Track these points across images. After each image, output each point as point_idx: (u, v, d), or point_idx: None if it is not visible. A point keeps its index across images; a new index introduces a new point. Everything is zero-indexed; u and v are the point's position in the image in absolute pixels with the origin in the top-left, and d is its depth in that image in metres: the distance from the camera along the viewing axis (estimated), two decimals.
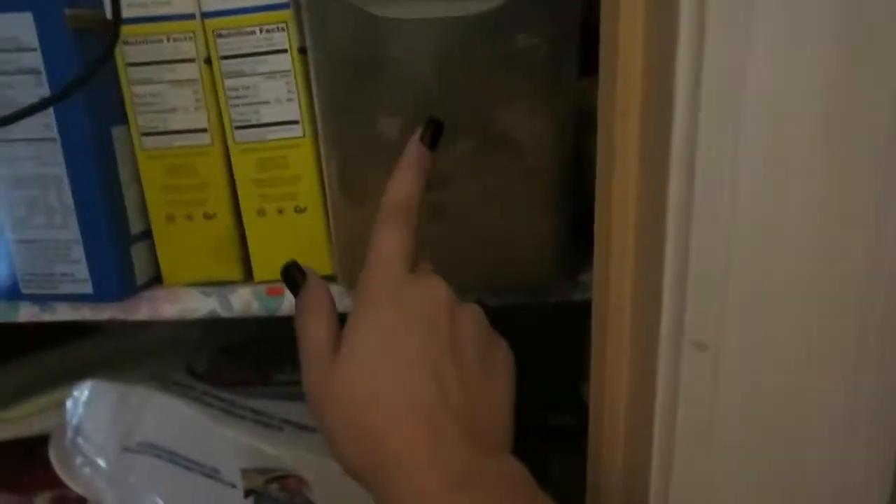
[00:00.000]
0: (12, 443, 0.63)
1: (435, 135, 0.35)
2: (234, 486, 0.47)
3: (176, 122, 0.43)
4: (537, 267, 0.41)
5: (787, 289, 0.22)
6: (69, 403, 0.54)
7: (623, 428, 0.29)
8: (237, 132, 0.42)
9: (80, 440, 0.55)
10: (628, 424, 0.28)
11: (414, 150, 0.35)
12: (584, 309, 0.52)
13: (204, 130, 0.43)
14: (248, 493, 0.47)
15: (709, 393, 0.23)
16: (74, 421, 0.55)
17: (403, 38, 0.37)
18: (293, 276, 0.35)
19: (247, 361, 0.56)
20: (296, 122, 0.42)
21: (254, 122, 0.42)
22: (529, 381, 0.42)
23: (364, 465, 0.29)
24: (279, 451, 0.45)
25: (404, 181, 0.34)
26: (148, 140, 0.43)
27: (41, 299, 0.44)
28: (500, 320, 0.41)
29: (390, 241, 0.33)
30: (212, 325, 0.63)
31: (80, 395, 0.54)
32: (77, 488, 0.60)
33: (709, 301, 0.22)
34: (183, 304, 0.45)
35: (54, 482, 0.61)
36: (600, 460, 0.30)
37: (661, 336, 0.24)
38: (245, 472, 0.46)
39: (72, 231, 0.42)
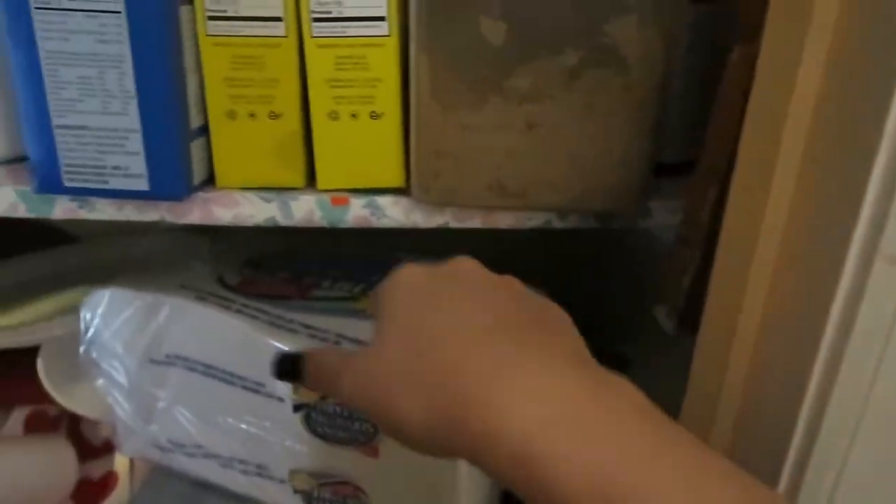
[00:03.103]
0: None
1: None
2: (280, 400, 0.46)
3: (247, 7, 0.39)
4: (624, 190, 0.40)
5: None
6: (84, 312, 0.51)
7: (754, 339, 0.29)
8: (315, 25, 0.39)
9: (93, 352, 0.52)
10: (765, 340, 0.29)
11: None
12: (648, 235, 0.52)
13: (278, 19, 0.39)
14: (297, 407, 0.45)
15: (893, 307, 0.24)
16: (90, 333, 0.51)
17: None
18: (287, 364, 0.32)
19: (280, 275, 0.53)
20: (381, 19, 0.39)
21: (335, 14, 0.39)
22: (594, 309, 0.43)
23: (440, 416, 0.25)
24: None
25: None
26: (214, 25, 0.39)
27: (84, 194, 0.40)
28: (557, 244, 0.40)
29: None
30: (229, 237, 0.59)
31: (98, 304, 0.50)
32: (63, 401, 0.57)
33: None
34: (240, 208, 0.42)
35: (35, 397, 0.58)
36: (725, 364, 0.30)
37: (853, 244, 0.24)
38: (297, 385, 0.45)
39: (131, 119, 0.38)
